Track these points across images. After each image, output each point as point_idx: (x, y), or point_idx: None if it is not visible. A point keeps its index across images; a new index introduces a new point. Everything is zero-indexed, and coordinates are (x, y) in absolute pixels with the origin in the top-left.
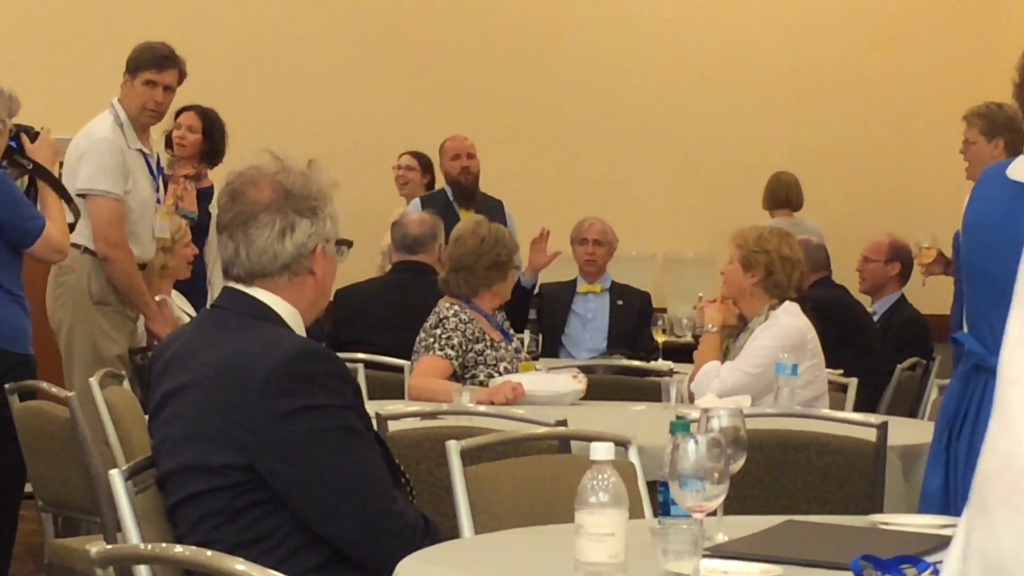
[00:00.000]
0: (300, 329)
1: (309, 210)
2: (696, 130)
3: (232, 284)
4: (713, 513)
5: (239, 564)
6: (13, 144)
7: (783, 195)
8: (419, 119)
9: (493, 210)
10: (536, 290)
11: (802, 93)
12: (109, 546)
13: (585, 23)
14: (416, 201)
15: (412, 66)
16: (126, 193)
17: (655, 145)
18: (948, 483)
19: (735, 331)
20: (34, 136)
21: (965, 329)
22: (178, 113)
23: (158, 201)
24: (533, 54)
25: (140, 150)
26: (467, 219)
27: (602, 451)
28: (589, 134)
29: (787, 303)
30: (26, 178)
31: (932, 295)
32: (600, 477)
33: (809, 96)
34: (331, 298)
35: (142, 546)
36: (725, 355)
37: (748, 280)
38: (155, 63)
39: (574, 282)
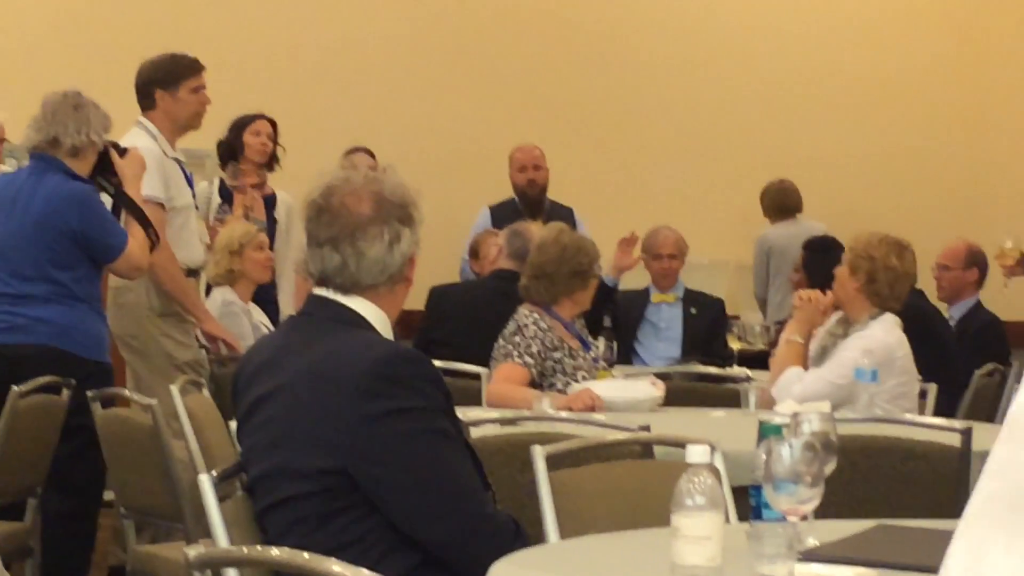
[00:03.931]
0: (388, 334)
1: (408, 217)
2: (768, 136)
3: (325, 292)
4: (805, 517)
5: (335, 566)
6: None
7: (780, 201)
8: (490, 125)
9: (563, 217)
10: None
11: (876, 99)
12: (206, 549)
13: (656, 31)
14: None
15: (483, 73)
16: (169, 200)
17: (727, 152)
18: None
19: (837, 334)
20: (123, 152)
21: None
22: (248, 122)
23: (196, 207)
24: (604, 61)
25: (175, 159)
26: (550, 226)
27: (698, 454)
28: (661, 140)
29: (887, 315)
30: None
31: (1010, 300)
32: (696, 480)
33: (882, 102)
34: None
35: (240, 549)
36: (822, 356)
37: (852, 284)
38: (194, 69)
39: (647, 291)
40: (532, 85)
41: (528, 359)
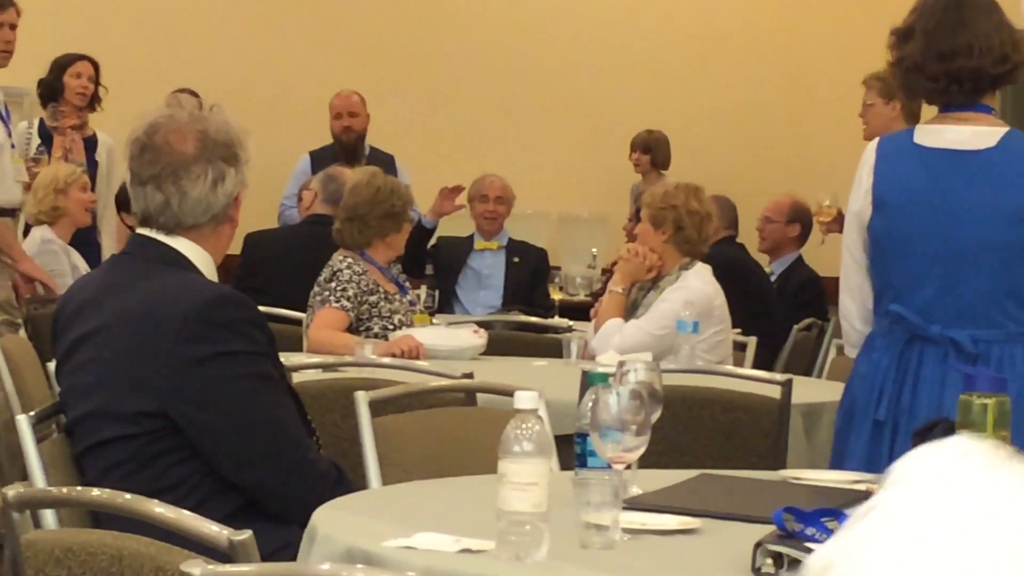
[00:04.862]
0: (212, 275)
1: (233, 157)
2: (592, 89)
3: (148, 232)
4: (629, 466)
5: (157, 507)
6: None
7: (666, 154)
8: (315, 70)
9: (384, 164)
10: (433, 242)
11: (700, 53)
12: (25, 489)
13: None
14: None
15: (308, 16)
16: None
17: (551, 103)
18: (872, 447)
19: (645, 287)
20: None
21: (880, 303)
22: (69, 63)
23: (12, 146)
24: (429, 8)
25: None
26: (362, 169)
27: (527, 400)
28: (485, 91)
29: (699, 265)
30: None
31: (829, 257)
32: (524, 426)
33: (707, 56)
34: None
35: (59, 489)
36: (633, 310)
37: (659, 238)
38: None
39: (471, 239)
40: (362, 31)
41: (346, 303)
